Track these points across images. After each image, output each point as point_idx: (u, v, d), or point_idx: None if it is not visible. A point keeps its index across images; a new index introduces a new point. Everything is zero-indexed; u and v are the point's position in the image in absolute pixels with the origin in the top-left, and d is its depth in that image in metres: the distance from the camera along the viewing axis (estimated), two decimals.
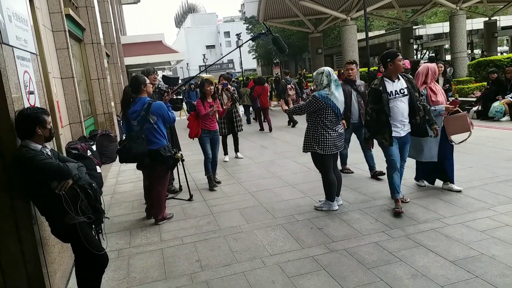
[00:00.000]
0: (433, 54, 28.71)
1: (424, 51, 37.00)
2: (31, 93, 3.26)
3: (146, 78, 4.58)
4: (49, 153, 2.74)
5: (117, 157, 4.61)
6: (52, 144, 3.25)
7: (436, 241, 3.67)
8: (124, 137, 4.70)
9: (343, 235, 3.98)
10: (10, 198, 2.64)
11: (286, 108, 4.85)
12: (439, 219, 4.13)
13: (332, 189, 4.61)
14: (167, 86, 5.61)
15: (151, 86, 4.70)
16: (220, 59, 6.75)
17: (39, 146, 2.67)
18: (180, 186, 5.96)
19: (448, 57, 28.36)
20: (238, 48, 7.59)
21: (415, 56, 30.07)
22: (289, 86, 12.53)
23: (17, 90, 2.87)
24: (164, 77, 5.55)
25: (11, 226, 2.66)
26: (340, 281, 3.12)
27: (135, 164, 4.74)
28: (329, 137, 4.43)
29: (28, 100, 3.13)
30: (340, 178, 4.77)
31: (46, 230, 2.97)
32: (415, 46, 29.84)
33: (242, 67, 31.91)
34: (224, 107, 5.93)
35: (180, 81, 5.58)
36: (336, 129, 4.49)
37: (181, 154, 4.80)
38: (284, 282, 3.17)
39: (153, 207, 4.76)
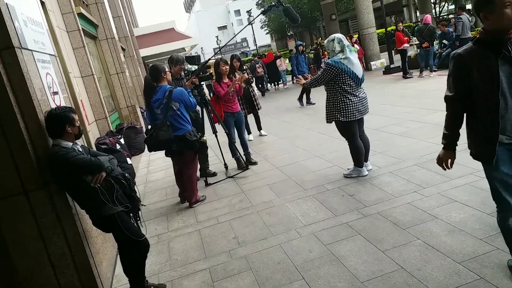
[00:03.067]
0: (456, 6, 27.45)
1: (443, 3, 35.47)
2: (55, 93, 3.36)
3: (165, 66, 4.64)
4: (80, 149, 2.84)
5: (146, 147, 4.73)
6: (82, 141, 3.36)
7: (472, 195, 3.62)
8: (149, 127, 4.80)
9: (375, 199, 3.97)
10: (50, 196, 2.76)
11: (304, 82, 4.80)
12: (473, 173, 4.05)
13: (359, 155, 4.59)
14: (187, 71, 5.65)
15: (170, 73, 4.75)
16: (231, 39, 6.65)
17: (70, 144, 2.77)
18: (225, 165, 5.98)
19: (469, 7, 27.15)
20: (251, 25, 7.50)
21: (433, 10, 28.91)
22: (257, 65, 15.56)
23: (41, 92, 2.96)
24: (187, 57, 5.62)
25: (54, 222, 2.79)
26: (376, 244, 3.14)
27: (164, 152, 4.84)
28: (350, 103, 4.37)
29: (54, 101, 3.23)
30: (368, 143, 4.73)
31: (88, 222, 3.11)
32: (432, 0, 28.64)
33: (256, 44, 31.59)
34: (238, 82, 5.84)
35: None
36: (357, 94, 4.42)
37: (205, 138, 4.85)
38: (321, 250, 3.22)
39: (186, 191, 4.88)
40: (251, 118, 8.00)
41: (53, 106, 3.08)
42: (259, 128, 8.23)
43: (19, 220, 2.69)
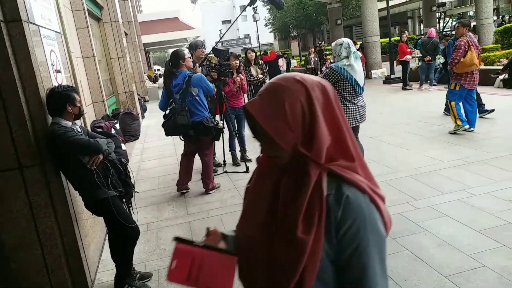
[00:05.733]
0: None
1: (447, 19, 35.69)
2: (58, 71, 3.33)
3: (185, 52, 4.69)
4: (79, 129, 2.82)
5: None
6: (79, 122, 3.33)
7: (462, 211, 3.65)
8: (167, 112, 4.81)
9: None
10: (44, 173, 2.73)
11: None
12: (465, 189, 4.09)
13: None
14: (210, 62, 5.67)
15: (190, 60, 4.77)
16: (226, 31, 6.56)
17: (69, 123, 2.75)
18: (224, 161, 5.97)
19: (473, 24, 27.34)
20: (255, 22, 7.47)
21: (437, 25, 29.08)
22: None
23: (44, 69, 2.93)
24: (214, 49, 5.60)
25: (46, 201, 2.76)
26: None
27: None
28: (347, 110, 4.39)
29: (56, 79, 3.20)
30: (362, 151, 4.74)
31: (79, 205, 3.09)
32: (437, 14, 28.79)
33: (259, 42, 31.47)
34: (259, 76, 5.95)
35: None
36: (355, 102, 4.44)
37: (223, 124, 4.87)
38: None
39: (202, 177, 4.94)
40: None
41: (55, 84, 3.06)
42: None
43: (11, 195, 2.65)
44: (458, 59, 5.94)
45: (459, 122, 6.13)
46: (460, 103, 6.20)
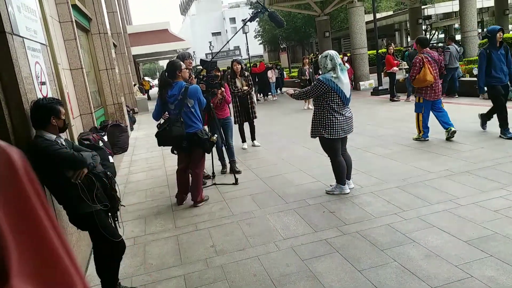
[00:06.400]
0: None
1: (433, 31, 36.37)
2: (43, 84, 3.30)
3: (182, 63, 4.67)
4: (64, 143, 2.78)
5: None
6: (65, 134, 3.29)
7: (449, 221, 3.67)
8: (160, 121, 4.82)
9: (355, 218, 3.99)
10: None
11: (292, 92, 4.86)
12: (452, 200, 4.12)
13: (341, 172, 4.62)
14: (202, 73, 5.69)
15: (187, 71, 4.77)
16: (224, 46, 6.61)
17: (54, 136, 2.71)
18: (213, 173, 5.95)
19: (458, 37, 27.92)
20: (245, 34, 7.52)
21: None
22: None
23: (29, 81, 2.89)
24: (202, 61, 5.62)
25: None
26: (354, 263, 3.15)
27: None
28: (336, 121, 4.42)
29: (41, 91, 3.16)
30: (350, 162, 4.77)
31: (64, 219, 3.03)
32: (423, 27, 29.33)
33: (248, 54, 31.64)
34: (244, 88, 5.99)
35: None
36: (343, 113, 4.47)
37: (216, 137, 4.87)
38: (298, 265, 3.21)
39: (191, 190, 4.88)
40: (246, 127, 7.88)
41: (40, 96, 3.02)
42: (253, 139, 8.12)
43: None
44: (414, 75, 6.36)
45: (420, 135, 6.69)
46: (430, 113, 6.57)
